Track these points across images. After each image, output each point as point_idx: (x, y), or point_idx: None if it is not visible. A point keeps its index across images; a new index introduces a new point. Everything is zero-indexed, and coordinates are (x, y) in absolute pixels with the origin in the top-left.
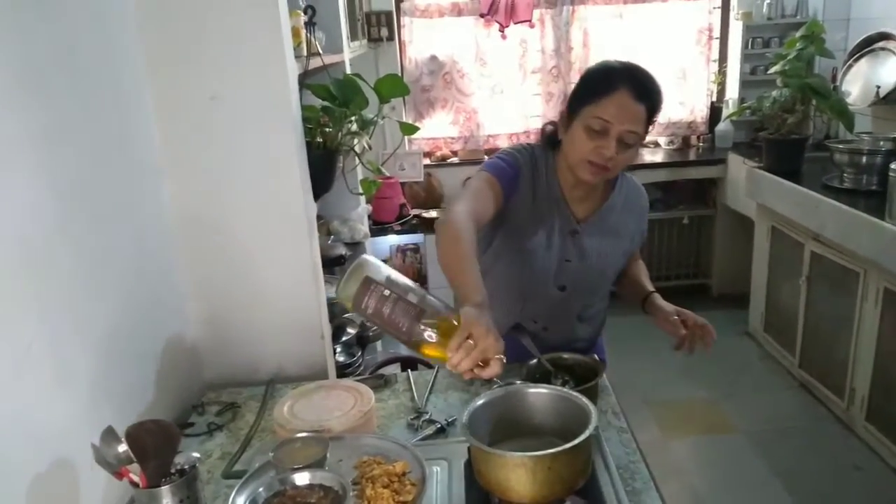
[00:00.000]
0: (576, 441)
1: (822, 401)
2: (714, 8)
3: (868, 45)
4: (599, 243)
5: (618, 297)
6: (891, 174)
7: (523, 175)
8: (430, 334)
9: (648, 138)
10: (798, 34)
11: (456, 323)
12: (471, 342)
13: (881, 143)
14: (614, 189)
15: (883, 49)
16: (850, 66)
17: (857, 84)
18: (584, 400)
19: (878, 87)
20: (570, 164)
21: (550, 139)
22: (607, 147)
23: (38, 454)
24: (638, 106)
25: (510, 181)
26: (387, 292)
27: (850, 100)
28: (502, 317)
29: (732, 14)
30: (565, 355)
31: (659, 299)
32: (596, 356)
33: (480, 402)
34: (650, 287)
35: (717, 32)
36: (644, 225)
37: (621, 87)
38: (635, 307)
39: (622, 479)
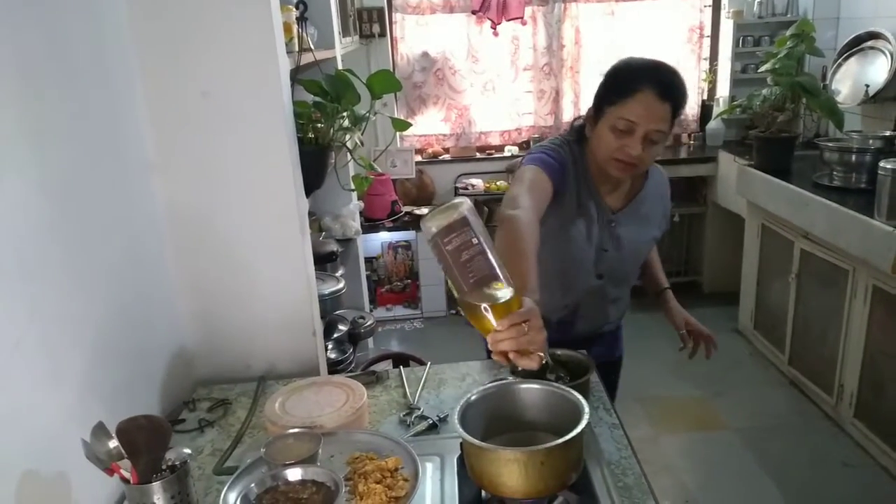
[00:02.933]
0: (568, 436)
1: (812, 397)
2: (705, 6)
3: (857, 44)
4: (633, 232)
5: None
6: (880, 172)
7: (568, 168)
8: (489, 304)
9: None
10: (788, 33)
11: (516, 304)
12: (524, 327)
13: (870, 141)
14: (647, 179)
15: (872, 48)
16: (839, 65)
17: (847, 83)
18: (577, 396)
19: (868, 85)
20: (598, 162)
21: (580, 133)
22: (633, 146)
23: (28, 451)
24: (663, 105)
25: (559, 176)
26: (475, 241)
27: (839, 98)
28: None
29: (723, 12)
30: (558, 351)
31: (672, 299)
32: (615, 349)
33: (473, 397)
34: (665, 283)
35: (708, 31)
36: (668, 209)
37: (645, 86)
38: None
39: (614, 474)
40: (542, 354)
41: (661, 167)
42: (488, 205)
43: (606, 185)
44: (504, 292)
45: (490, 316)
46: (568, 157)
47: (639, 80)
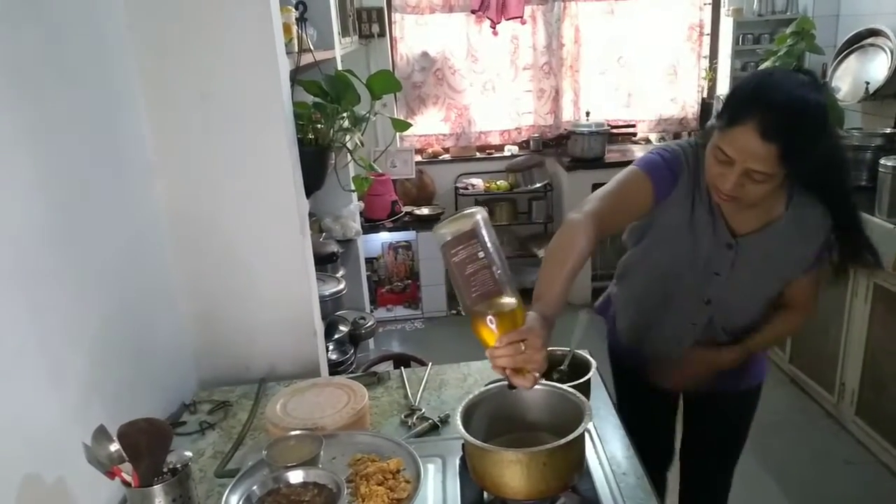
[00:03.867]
0: (570, 437)
1: (813, 395)
2: (705, 4)
3: (857, 42)
4: (756, 263)
5: None
6: (880, 170)
7: (683, 178)
8: (491, 318)
9: (640, 134)
10: (788, 30)
11: (519, 320)
12: (521, 346)
13: (871, 138)
14: (788, 208)
15: (872, 45)
16: (839, 62)
17: (847, 80)
18: (579, 396)
19: (868, 83)
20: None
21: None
22: (727, 180)
23: (29, 454)
24: (765, 145)
25: (665, 183)
26: (481, 254)
27: (839, 96)
28: (640, 317)
29: (723, 10)
30: (559, 351)
31: (719, 352)
32: (745, 377)
33: (475, 398)
34: (745, 343)
35: (707, 29)
36: (810, 255)
37: (748, 120)
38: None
39: (615, 474)
40: (537, 376)
41: (822, 207)
42: (488, 204)
43: (732, 203)
44: (505, 308)
45: (493, 327)
46: (688, 163)
47: (743, 111)
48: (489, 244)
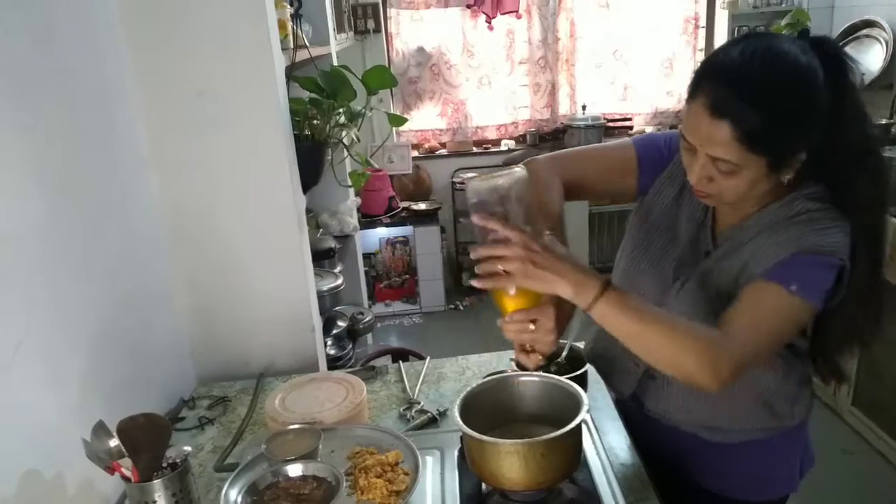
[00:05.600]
0: (567, 427)
1: None
2: None
3: (852, 33)
4: (724, 274)
5: None
6: None
7: (677, 165)
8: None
9: (636, 127)
10: (783, 22)
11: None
12: (532, 326)
13: None
14: (767, 206)
15: (867, 36)
16: None
17: None
18: (576, 387)
19: (863, 74)
20: None
21: None
22: (691, 170)
23: (28, 451)
24: (715, 123)
25: (653, 158)
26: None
27: None
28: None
29: (718, 3)
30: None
31: None
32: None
33: (472, 390)
34: None
35: (703, 21)
36: (774, 253)
37: (699, 93)
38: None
39: (613, 465)
40: (541, 359)
41: (831, 219)
42: None
43: (713, 201)
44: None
45: (509, 298)
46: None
47: (697, 81)
48: (516, 212)
